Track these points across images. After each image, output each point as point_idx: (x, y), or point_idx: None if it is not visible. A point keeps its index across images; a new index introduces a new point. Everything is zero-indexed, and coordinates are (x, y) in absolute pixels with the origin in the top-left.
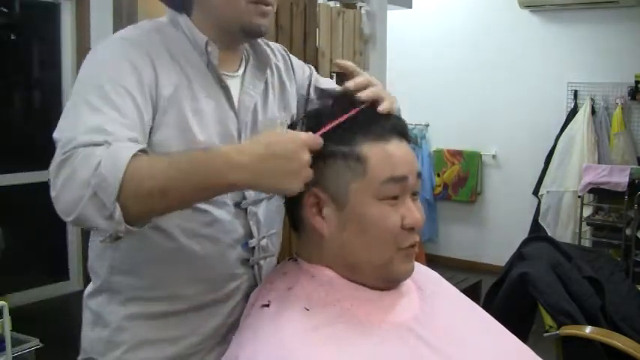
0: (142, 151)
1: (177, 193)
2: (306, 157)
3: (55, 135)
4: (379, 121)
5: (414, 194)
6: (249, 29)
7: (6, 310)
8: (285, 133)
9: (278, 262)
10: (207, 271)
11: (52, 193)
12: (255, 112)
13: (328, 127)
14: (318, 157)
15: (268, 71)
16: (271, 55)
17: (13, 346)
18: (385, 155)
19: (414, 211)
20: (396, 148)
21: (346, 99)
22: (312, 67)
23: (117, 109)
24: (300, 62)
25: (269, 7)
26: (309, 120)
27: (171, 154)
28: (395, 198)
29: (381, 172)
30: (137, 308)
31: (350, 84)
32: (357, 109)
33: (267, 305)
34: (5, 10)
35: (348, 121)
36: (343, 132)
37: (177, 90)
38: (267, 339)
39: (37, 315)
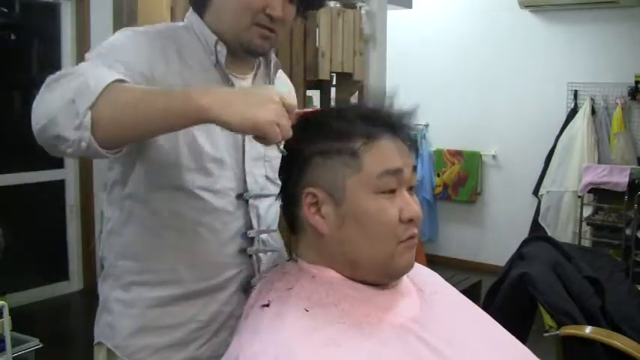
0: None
1: (149, 108)
2: (277, 98)
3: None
4: (371, 119)
5: (410, 188)
6: (247, 48)
7: (6, 310)
8: None
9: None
10: (204, 258)
11: (34, 104)
12: None
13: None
14: (313, 155)
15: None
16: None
17: (13, 346)
18: (379, 148)
19: (411, 204)
20: (390, 141)
21: None
22: None
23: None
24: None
25: (272, 34)
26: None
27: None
28: (392, 192)
29: (377, 166)
30: (136, 294)
31: None
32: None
33: (267, 305)
34: (5, 10)
35: (345, 118)
36: (337, 129)
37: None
38: (267, 339)
39: (37, 315)
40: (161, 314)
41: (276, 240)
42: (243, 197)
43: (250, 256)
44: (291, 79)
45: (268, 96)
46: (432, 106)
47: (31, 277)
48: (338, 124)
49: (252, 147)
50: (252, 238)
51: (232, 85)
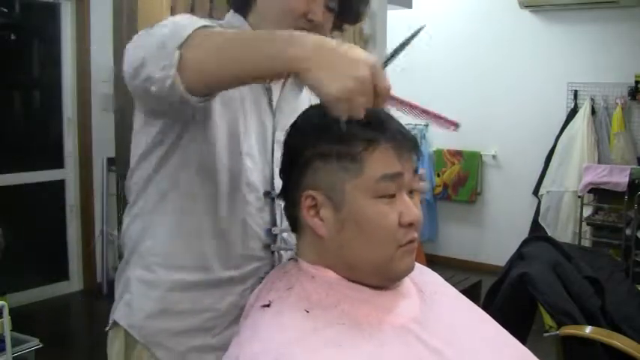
0: None
1: (237, 51)
2: (367, 72)
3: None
4: (372, 124)
5: (411, 192)
6: None
7: (6, 310)
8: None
9: None
10: (231, 248)
11: (126, 53)
12: (291, 117)
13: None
14: (313, 157)
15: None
16: None
17: (13, 346)
18: (379, 153)
19: (411, 208)
20: (390, 145)
21: None
22: None
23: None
24: None
25: (315, 25)
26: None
27: None
28: (392, 196)
29: (376, 171)
30: (159, 275)
31: None
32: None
33: (268, 305)
34: (5, 10)
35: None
36: (337, 132)
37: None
38: (267, 339)
39: (37, 315)
40: (181, 299)
41: (293, 239)
42: (270, 195)
43: (273, 252)
44: None
45: (358, 68)
46: (432, 106)
47: (31, 277)
48: (338, 127)
49: (279, 149)
50: (275, 236)
51: (268, 87)
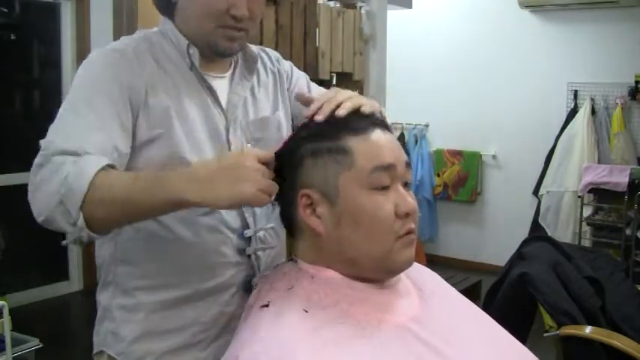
0: (110, 165)
1: (137, 205)
2: (255, 165)
3: (41, 140)
4: (359, 117)
5: (405, 184)
6: (215, 50)
7: (6, 310)
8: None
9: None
10: (203, 259)
11: (29, 194)
12: (245, 108)
13: (282, 144)
14: (305, 156)
15: (262, 73)
16: (267, 60)
17: (13, 346)
18: (370, 145)
19: (406, 198)
20: (380, 137)
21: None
22: (307, 77)
23: (98, 116)
24: (300, 72)
25: (240, 33)
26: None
27: (136, 172)
28: (386, 188)
29: (368, 162)
30: (140, 299)
31: (307, 112)
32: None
33: (267, 306)
34: (5, 10)
35: (333, 117)
36: (326, 129)
37: (166, 98)
38: (266, 340)
39: (37, 315)
40: (164, 318)
41: (273, 236)
42: None
43: (249, 255)
44: None
45: (243, 166)
46: (432, 106)
47: (31, 277)
48: (326, 124)
49: (237, 147)
50: (250, 238)
51: (210, 86)
